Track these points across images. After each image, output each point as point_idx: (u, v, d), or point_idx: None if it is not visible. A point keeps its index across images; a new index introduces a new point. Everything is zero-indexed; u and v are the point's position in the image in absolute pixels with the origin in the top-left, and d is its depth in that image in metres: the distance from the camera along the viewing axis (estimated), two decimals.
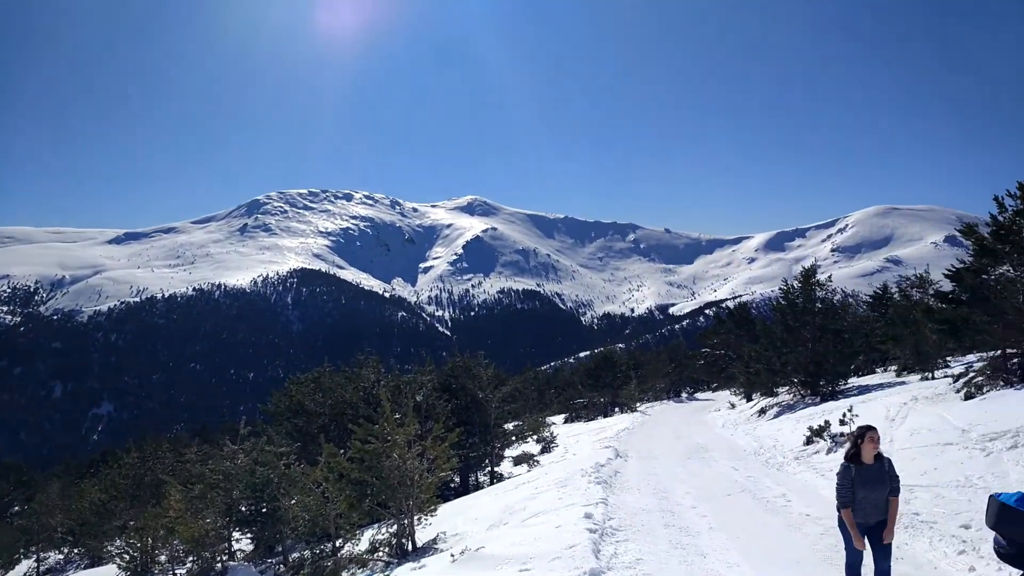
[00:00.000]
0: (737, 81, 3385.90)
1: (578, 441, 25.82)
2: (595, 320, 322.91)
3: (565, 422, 40.23)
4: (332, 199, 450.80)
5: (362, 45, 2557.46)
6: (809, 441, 15.03)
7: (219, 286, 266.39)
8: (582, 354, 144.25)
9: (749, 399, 29.45)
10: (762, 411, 23.84)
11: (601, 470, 14.19)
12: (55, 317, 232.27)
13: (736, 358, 37.61)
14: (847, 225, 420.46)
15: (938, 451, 10.68)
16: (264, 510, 12.54)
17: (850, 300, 39.22)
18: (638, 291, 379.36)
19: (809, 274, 24.12)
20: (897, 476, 5.95)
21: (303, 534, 12.11)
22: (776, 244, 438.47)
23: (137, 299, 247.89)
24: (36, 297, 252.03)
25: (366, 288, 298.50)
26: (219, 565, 13.62)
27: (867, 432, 5.97)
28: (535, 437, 26.20)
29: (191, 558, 14.54)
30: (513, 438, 24.72)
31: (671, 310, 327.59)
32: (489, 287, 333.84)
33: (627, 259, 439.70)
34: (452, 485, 21.39)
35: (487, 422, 21.76)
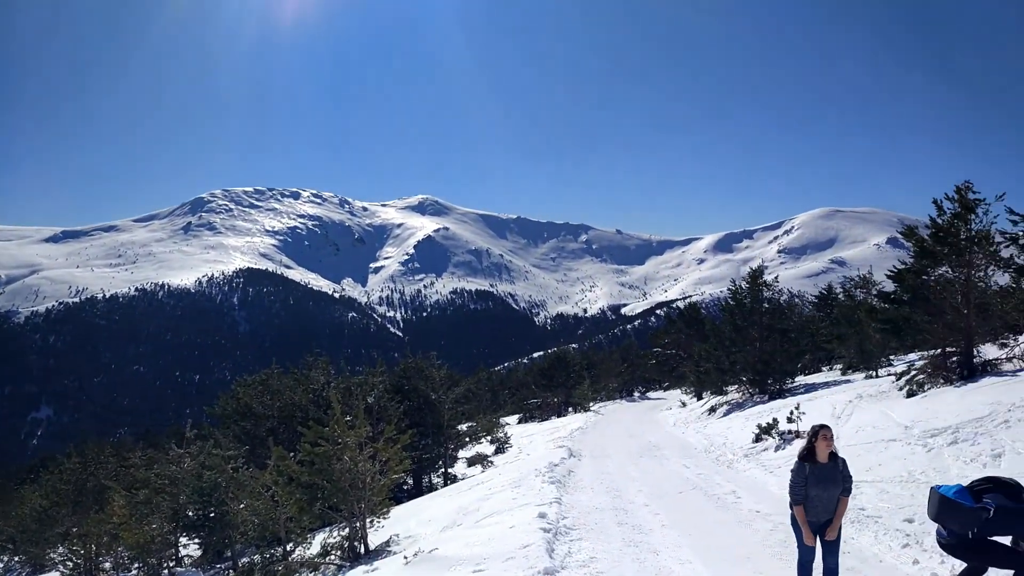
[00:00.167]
0: (685, 85, 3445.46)
1: (532, 441, 25.86)
2: (548, 320, 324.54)
3: (519, 422, 40.30)
4: (279, 197, 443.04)
5: (309, 38, 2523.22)
6: (758, 439, 15.31)
7: (162, 286, 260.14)
8: (536, 354, 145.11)
9: (700, 398, 29.90)
10: (712, 409, 24.22)
11: (555, 469, 14.22)
12: None
13: (687, 357, 38.20)
14: (793, 227, 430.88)
15: (882, 447, 10.97)
16: (212, 515, 12.28)
17: (796, 300, 40.16)
18: (591, 291, 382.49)
19: (756, 275, 24.60)
20: (850, 476, 5.99)
21: (253, 539, 11.86)
22: (725, 245, 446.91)
23: (76, 299, 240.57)
24: None
25: (315, 288, 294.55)
26: (166, 571, 13.33)
27: (820, 431, 6.01)
28: (489, 438, 26.17)
29: (136, 564, 14.24)
30: (467, 439, 24.67)
31: (623, 310, 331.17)
32: (441, 287, 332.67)
33: (580, 260, 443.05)
34: (405, 487, 21.23)
35: (440, 423, 21.66)
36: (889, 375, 18.40)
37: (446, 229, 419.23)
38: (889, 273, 16.75)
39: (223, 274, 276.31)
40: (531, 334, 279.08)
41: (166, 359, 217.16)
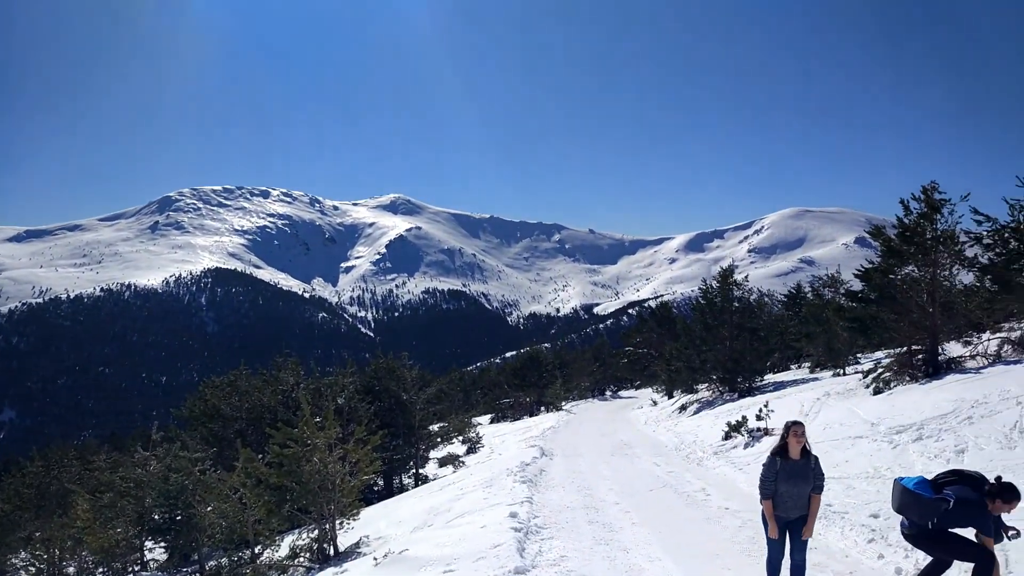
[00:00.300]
0: (657, 87, 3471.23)
1: (504, 441, 25.85)
2: (521, 320, 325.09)
3: (491, 422, 40.26)
4: (248, 196, 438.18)
5: (277, 33, 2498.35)
6: (727, 436, 15.45)
7: (129, 286, 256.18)
8: (508, 354, 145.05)
9: (671, 396, 30.11)
10: (683, 408, 24.42)
11: (527, 469, 14.21)
12: None
13: (658, 356, 38.42)
14: (763, 227, 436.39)
15: (849, 444, 11.12)
16: (178, 518, 12.12)
17: (766, 299, 40.48)
18: (564, 291, 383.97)
19: (727, 274, 24.85)
20: (822, 474, 6.02)
21: (220, 541, 11.70)
22: (696, 245, 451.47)
23: (40, 300, 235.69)
24: None
25: (285, 288, 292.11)
26: (131, 575, 13.10)
27: (793, 427, 6.04)
28: (461, 438, 26.09)
29: (101, 569, 14.09)
30: (438, 439, 24.59)
31: (596, 310, 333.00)
32: (413, 287, 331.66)
33: (553, 259, 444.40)
34: (376, 488, 21.12)
35: (412, 424, 21.58)
36: (856, 373, 18.69)
37: (418, 228, 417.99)
38: (857, 272, 16.98)
39: (191, 274, 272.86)
40: (504, 334, 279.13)
41: (132, 360, 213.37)
